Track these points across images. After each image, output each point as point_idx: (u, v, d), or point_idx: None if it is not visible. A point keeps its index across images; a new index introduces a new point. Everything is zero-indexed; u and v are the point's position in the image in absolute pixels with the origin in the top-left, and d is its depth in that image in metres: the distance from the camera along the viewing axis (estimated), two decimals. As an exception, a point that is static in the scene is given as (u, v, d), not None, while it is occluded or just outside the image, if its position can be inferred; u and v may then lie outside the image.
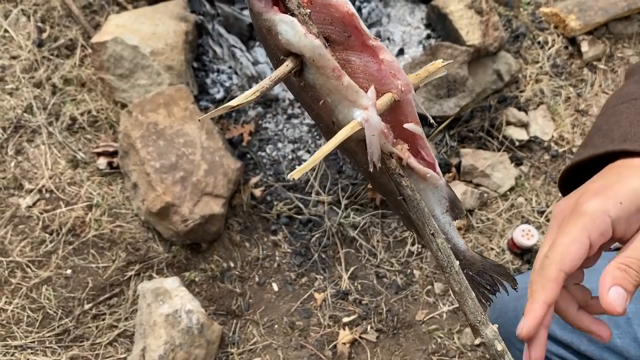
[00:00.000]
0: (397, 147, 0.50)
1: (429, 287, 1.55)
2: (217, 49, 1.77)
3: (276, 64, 0.50)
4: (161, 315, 1.30)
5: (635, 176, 0.61)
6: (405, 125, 0.51)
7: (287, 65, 0.47)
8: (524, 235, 1.56)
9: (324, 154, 0.49)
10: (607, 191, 0.60)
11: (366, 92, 0.48)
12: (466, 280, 0.50)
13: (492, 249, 1.61)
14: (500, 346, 0.50)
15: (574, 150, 1.77)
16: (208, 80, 1.74)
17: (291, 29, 0.45)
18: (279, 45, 0.46)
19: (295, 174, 0.47)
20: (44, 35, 1.81)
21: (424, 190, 0.54)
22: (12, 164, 1.62)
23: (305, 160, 1.68)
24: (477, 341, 0.49)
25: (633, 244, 0.58)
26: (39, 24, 1.83)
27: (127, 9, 1.85)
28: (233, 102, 0.53)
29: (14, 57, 1.78)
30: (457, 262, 0.50)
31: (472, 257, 0.57)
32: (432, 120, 0.60)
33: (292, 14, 0.46)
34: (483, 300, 0.58)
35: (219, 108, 0.50)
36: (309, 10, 0.47)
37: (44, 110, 1.70)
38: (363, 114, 0.47)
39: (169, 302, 1.34)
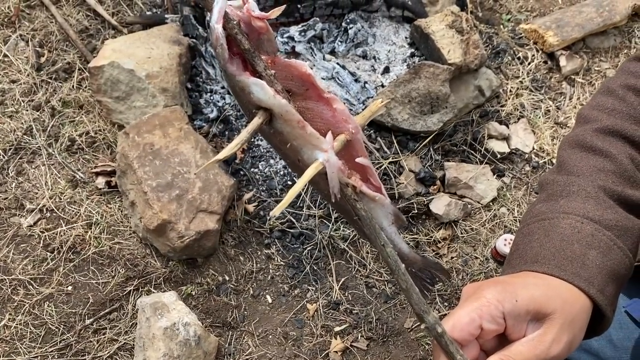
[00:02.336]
0: (351, 178, 0.62)
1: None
2: (210, 70, 1.84)
3: (249, 114, 0.62)
4: (160, 328, 1.36)
5: (537, 287, 0.70)
6: (357, 160, 0.63)
7: (259, 118, 0.58)
8: (507, 244, 1.63)
9: (297, 191, 0.61)
10: (508, 287, 0.69)
11: (324, 134, 0.59)
12: (411, 279, 0.60)
13: (476, 257, 1.68)
14: (440, 329, 0.60)
15: (554, 161, 1.85)
16: (202, 100, 1.81)
17: (261, 90, 0.56)
18: (252, 102, 0.58)
19: (276, 211, 0.59)
20: (42, 60, 1.88)
21: (374, 209, 0.66)
22: (13, 184, 1.68)
23: (295, 175, 1.75)
24: (422, 326, 0.58)
25: (516, 346, 0.68)
26: (37, 49, 1.89)
27: (123, 32, 1.92)
28: (220, 156, 0.64)
29: (13, 81, 1.84)
30: (403, 265, 0.60)
31: (414, 258, 0.70)
32: (374, 151, 0.72)
33: (260, 76, 0.57)
34: (425, 292, 0.71)
35: (210, 161, 0.62)
36: (274, 71, 0.58)
37: (43, 132, 1.76)
38: (324, 155, 0.59)
39: (167, 316, 1.40)
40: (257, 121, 0.58)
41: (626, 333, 1.14)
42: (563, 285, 0.75)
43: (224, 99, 1.81)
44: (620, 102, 0.88)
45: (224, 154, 0.61)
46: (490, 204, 1.76)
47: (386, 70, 1.88)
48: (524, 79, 1.98)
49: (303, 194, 1.71)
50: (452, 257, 1.68)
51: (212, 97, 1.82)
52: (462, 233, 1.71)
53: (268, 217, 1.69)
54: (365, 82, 1.83)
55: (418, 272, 0.72)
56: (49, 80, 1.84)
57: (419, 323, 1.58)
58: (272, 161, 1.76)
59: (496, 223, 1.74)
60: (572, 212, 0.81)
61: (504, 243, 1.63)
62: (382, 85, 1.85)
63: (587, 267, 0.77)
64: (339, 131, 0.64)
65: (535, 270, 0.77)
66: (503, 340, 0.74)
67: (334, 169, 0.61)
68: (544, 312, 0.71)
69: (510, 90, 1.95)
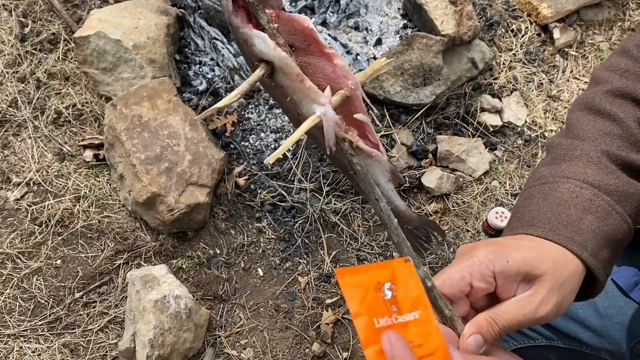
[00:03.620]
0: (348, 133, 0.62)
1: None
2: (199, 42, 1.80)
3: (252, 67, 0.62)
4: (150, 301, 1.36)
5: (529, 249, 0.71)
6: (355, 116, 0.63)
7: (261, 70, 0.58)
8: (498, 217, 1.63)
9: (293, 141, 0.61)
10: (501, 248, 0.70)
11: (323, 90, 0.59)
12: (403, 233, 0.60)
13: (467, 230, 1.68)
14: (429, 282, 0.61)
15: (546, 135, 1.84)
16: (190, 73, 1.78)
17: (263, 43, 0.56)
18: (254, 54, 0.57)
19: (271, 160, 0.59)
20: (27, 30, 1.83)
21: (370, 165, 0.66)
22: (-1, 158, 1.65)
23: (284, 155, 1.74)
24: None
25: (505, 305, 0.69)
26: (21, 19, 1.84)
27: (109, 2, 1.87)
28: (220, 104, 0.64)
29: (-3, 52, 1.80)
30: (396, 220, 0.60)
31: (410, 215, 0.69)
32: (371, 106, 0.72)
33: (263, 29, 0.56)
34: (420, 249, 0.71)
35: (208, 109, 0.62)
36: (277, 25, 0.57)
37: (29, 105, 1.73)
38: (322, 109, 0.59)
39: (158, 289, 1.39)
40: (258, 73, 0.58)
41: (611, 301, 1.15)
42: (556, 249, 0.76)
43: (213, 70, 1.78)
44: (634, 62, 0.86)
45: (223, 102, 0.60)
46: (482, 177, 1.76)
47: (378, 42, 1.85)
48: (517, 51, 1.96)
49: (295, 167, 1.70)
50: (446, 231, 1.68)
51: (201, 69, 1.79)
52: (453, 206, 1.71)
53: (259, 191, 1.67)
54: (357, 54, 1.80)
55: (414, 230, 0.73)
56: (34, 52, 1.80)
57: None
58: (262, 134, 1.74)
59: (488, 196, 1.73)
60: (572, 176, 0.81)
61: (495, 216, 1.63)
62: (374, 57, 1.82)
63: (581, 232, 0.76)
64: (338, 87, 0.63)
65: (531, 233, 0.77)
66: (493, 299, 0.74)
67: (330, 122, 0.60)
68: (535, 273, 0.71)
69: (504, 63, 1.93)
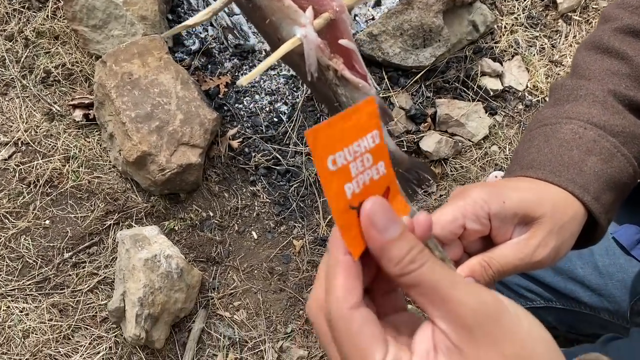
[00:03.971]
0: (333, 61, 0.56)
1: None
2: (192, 0, 1.75)
3: None
4: (140, 259, 1.32)
5: (528, 190, 0.67)
6: (340, 41, 0.58)
7: None
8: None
9: (269, 64, 0.56)
10: (497, 189, 0.65)
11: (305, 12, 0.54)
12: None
13: (466, 195, 1.65)
14: None
15: (547, 100, 1.80)
16: (183, 32, 1.73)
17: None
18: None
19: (244, 81, 0.54)
20: (14, -12, 1.78)
21: (358, 99, 0.61)
22: (-14, 117, 1.61)
23: (282, 111, 1.70)
24: None
25: (500, 249, 0.65)
26: (9, -24, 1.79)
27: (99, -40, 1.81)
28: (189, 22, 0.58)
29: (-17, 10, 1.74)
30: None
31: (401, 157, 0.65)
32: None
33: None
34: (410, 192, 0.66)
35: (176, 27, 0.56)
36: None
37: (17, 64, 1.68)
38: (302, 30, 0.53)
39: (148, 248, 1.35)
40: None
41: (612, 259, 1.12)
42: (556, 191, 0.72)
43: (207, 30, 1.73)
44: None
45: (193, 20, 0.56)
46: (482, 142, 1.72)
47: (377, 3, 1.80)
48: (519, 15, 1.91)
49: (290, 130, 1.66)
50: (441, 195, 1.65)
51: (193, 29, 1.73)
52: (452, 171, 1.67)
53: (253, 154, 1.64)
54: (356, 15, 1.75)
55: (405, 173, 0.69)
56: (22, 10, 1.74)
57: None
58: (257, 97, 1.70)
59: (487, 161, 1.70)
60: (575, 117, 0.77)
61: (494, 180, 1.60)
62: (373, 18, 1.77)
63: (584, 174, 0.73)
64: (323, 9, 0.58)
65: (530, 175, 0.74)
66: (488, 243, 0.70)
67: (312, 45, 0.56)
68: (533, 215, 0.68)
69: (505, 27, 1.88)
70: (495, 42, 1.86)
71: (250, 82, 1.72)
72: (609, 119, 0.76)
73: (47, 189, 1.53)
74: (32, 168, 1.55)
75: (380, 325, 0.41)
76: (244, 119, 1.68)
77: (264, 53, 1.72)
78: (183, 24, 0.55)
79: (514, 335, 0.39)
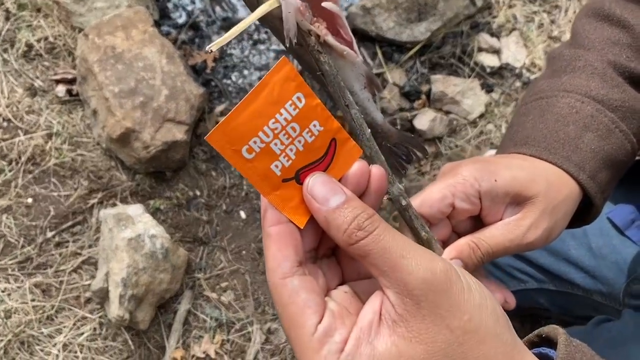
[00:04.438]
0: (315, 25, 0.52)
1: (395, 213, 1.55)
2: (179, -28, 1.69)
3: None
4: (123, 239, 1.29)
5: (521, 168, 0.64)
6: (324, 4, 0.54)
7: None
8: (492, 160, 1.55)
9: (243, 27, 0.52)
10: (489, 165, 0.63)
11: None
12: (376, 145, 0.53)
13: (460, 175, 1.61)
14: (405, 202, 0.54)
15: (544, 69, 1.75)
16: (170, 5, 1.67)
17: None
18: None
19: (213, 47, 0.50)
20: (-6, -43, 1.71)
21: (343, 68, 0.57)
22: (-34, 92, 1.56)
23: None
24: (385, 197, 0.51)
25: (489, 229, 0.63)
26: (-12, -55, 1.72)
27: None
28: (235, 30, 0.54)
29: (-38, -19, 1.68)
30: (369, 130, 0.53)
31: (389, 130, 0.61)
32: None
33: None
34: (399, 168, 0.63)
35: (218, 40, 0.52)
36: None
37: (-3, 37, 1.62)
38: None
39: (132, 227, 1.32)
40: None
41: (606, 240, 1.09)
42: (551, 169, 0.68)
43: (194, 3, 1.67)
44: None
45: (238, 28, 0.52)
46: (477, 120, 1.67)
47: (371, -25, 1.74)
48: (518, -11, 1.85)
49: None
50: (434, 174, 1.61)
51: (180, 1, 1.67)
52: (446, 149, 1.63)
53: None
54: (348, -12, 1.69)
55: (393, 148, 0.65)
56: (2, -20, 1.68)
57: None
58: (246, 72, 1.65)
59: (482, 140, 1.65)
60: (573, 90, 0.73)
61: (489, 159, 1.56)
62: (366, -9, 1.71)
63: (580, 151, 0.69)
64: None
65: (524, 152, 0.70)
66: (478, 223, 0.67)
67: (290, 8, 0.51)
68: (525, 195, 0.64)
69: (503, 1, 1.82)
70: (493, 17, 1.80)
71: (239, 57, 1.66)
72: (608, 92, 0.72)
73: (29, 167, 1.49)
74: (14, 145, 1.50)
75: (319, 293, 0.40)
76: (232, 95, 1.63)
77: (253, 27, 1.67)
78: (225, 36, 0.52)
79: (462, 307, 0.37)
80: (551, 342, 0.44)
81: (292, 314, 0.39)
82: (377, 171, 0.45)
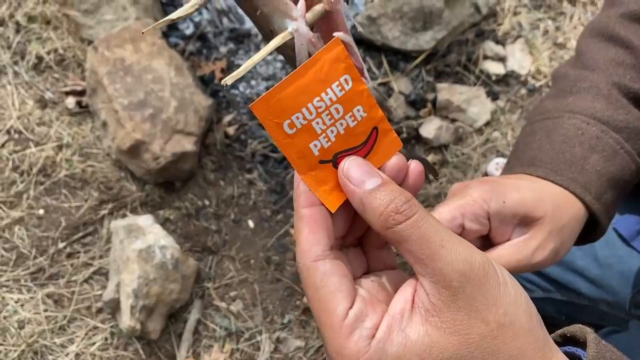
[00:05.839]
0: None
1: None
2: (186, -17, 1.71)
3: None
4: (134, 250, 1.31)
5: (528, 189, 0.65)
6: (335, 34, 0.54)
7: None
8: (498, 168, 1.56)
9: (257, 60, 0.53)
10: (497, 187, 0.64)
11: (297, 4, 0.51)
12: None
13: (466, 183, 1.62)
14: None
15: (550, 89, 1.75)
16: (177, 16, 1.69)
17: None
18: None
19: (229, 80, 0.51)
20: (4, -29, 1.73)
21: None
22: (-22, 105, 1.58)
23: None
24: None
25: (498, 249, 0.65)
26: (-2, -41, 1.74)
27: (91, -59, 1.76)
28: (173, 15, 0.55)
29: (-27, -6, 1.70)
30: None
31: (400, 151, 0.63)
32: (359, 28, 0.62)
33: None
34: None
35: (160, 21, 0.53)
36: None
37: (8, 49, 1.64)
38: (293, 24, 0.51)
39: (142, 238, 1.34)
40: None
41: (612, 250, 1.10)
42: (557, 190, 0.70)
43: (201, 14, 1.69)
44: None
45: (177, 13, 0.53)
46: (483, 127, 1.68)
47: (376, -15, 1.75)
48: (523, -4, 1.85)
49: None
50: (441, 182, 1.62)
51: (188, 12, 1.69)
52: (452, 157, 1.64)
53: (250, 141, 1.61)
54: (354, -3, 1.71)
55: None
56: (12, -7, 1.70)
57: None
58: (253, 82, 1.66)
59: (488, 148, 1.66)
60: (578, 111, 0.74)
61: (495, 167, 1.57)
62: (372, 0, 1.72)
63: (585, 172, 0.71)
64: (317, 0, 0.56)
65: (531, 173, 0.72)
66: (486, 243, 0.68)
67: (303, 40, 0.53)
68: (533, 216, 0.66)
69: (508, 9, 1.83)
70: (498, 24, 1.81)
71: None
72: (613, 113, 0.74)
73: (40, 178, 1.51)
74: (25, 156, 1.52)
75: (350, 279, 0.40)
76: (240, 106, 1.65)
77: (259, 37, 1.68)
78: (167, 17, 0.52)
79: (498, 301, 0.37)
80: (576, 342, 0.44)
81: (324, 298, 0.38)
82: (415, 166, 0.44)
